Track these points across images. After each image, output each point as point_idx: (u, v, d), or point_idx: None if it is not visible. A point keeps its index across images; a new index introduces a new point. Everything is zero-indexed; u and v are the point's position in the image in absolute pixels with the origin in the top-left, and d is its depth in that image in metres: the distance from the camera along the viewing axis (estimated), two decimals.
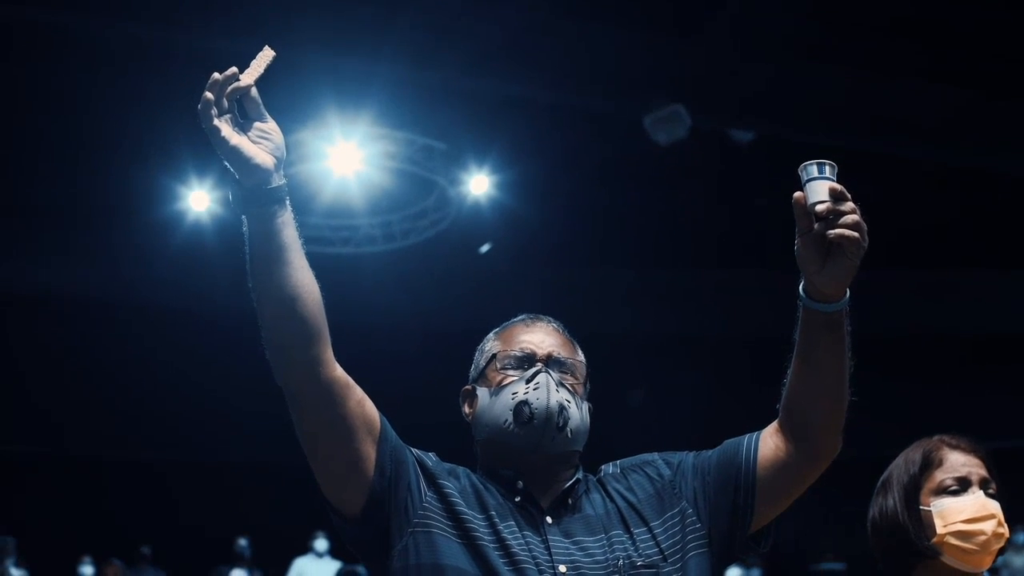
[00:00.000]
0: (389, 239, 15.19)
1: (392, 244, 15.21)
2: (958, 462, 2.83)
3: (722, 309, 16.50)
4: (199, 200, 13.99)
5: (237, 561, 14.27)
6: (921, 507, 2.81)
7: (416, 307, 15.85)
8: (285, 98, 11.09)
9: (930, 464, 2.84)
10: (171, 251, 14.51)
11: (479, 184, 14.23)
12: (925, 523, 2.79)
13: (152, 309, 15.58)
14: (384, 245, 15.20)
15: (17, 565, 11.78)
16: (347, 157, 13.33)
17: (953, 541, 2.75)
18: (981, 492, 2.80)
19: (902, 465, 2.89)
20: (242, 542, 14.34)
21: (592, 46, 11.35)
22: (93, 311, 15.54)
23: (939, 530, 2.77)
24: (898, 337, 15.83)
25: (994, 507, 2.78)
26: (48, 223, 14.55)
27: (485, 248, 16.18)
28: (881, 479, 2.92)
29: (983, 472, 2.84)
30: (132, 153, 12.73)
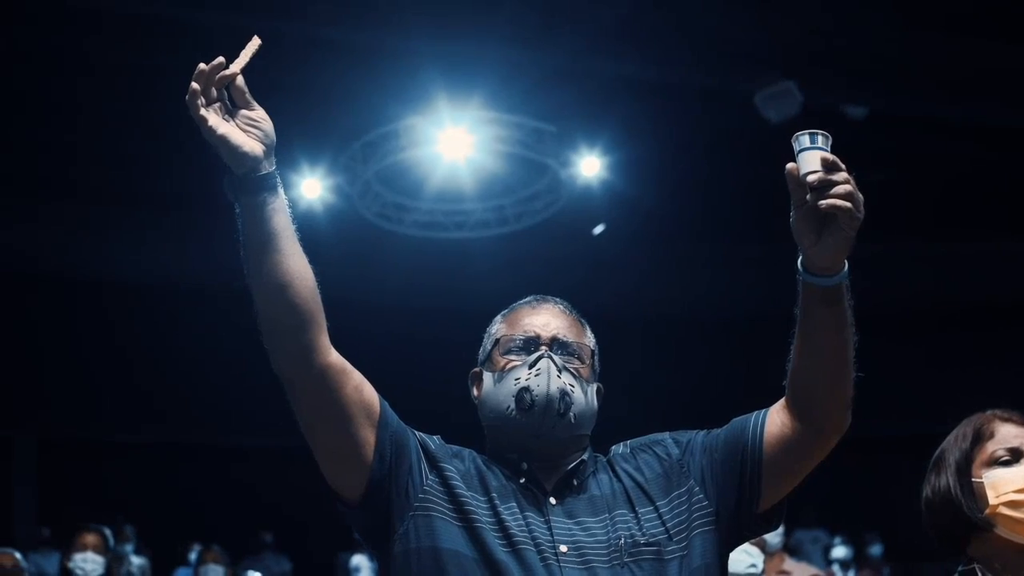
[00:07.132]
0: (502, 223, 15.22)
1: (505, 228, 15.24)
2: (1010, 434, 2.78)
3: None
4: (311, 188, 14.11)
5: (358, 547, 14.38)
6: (973, 479, 2.76)
7: (530, 290, 15.76)
8: (394, 84, 11.16)
9: (981, 437, 2.79)
10: None
11: (590, 166, 14.18)
12: (977, 495, 2.74)
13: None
14: (497, 229, 15.23)
15: (137, 552, 11.98)
16: (457, 142, 13.34)
17: (1006, 511, 2.70)
18: None
19: (953, 441, 2.84)
20: None
21: (703, 23, 11.24)
22: (204, 297, 15.78)
23: (991, 501, 2.72)
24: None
25: None
26: (160, 211, 14.80)
27: (598, 230, 16.14)
28: (933, 457, 2.88)
29: None
30: None
